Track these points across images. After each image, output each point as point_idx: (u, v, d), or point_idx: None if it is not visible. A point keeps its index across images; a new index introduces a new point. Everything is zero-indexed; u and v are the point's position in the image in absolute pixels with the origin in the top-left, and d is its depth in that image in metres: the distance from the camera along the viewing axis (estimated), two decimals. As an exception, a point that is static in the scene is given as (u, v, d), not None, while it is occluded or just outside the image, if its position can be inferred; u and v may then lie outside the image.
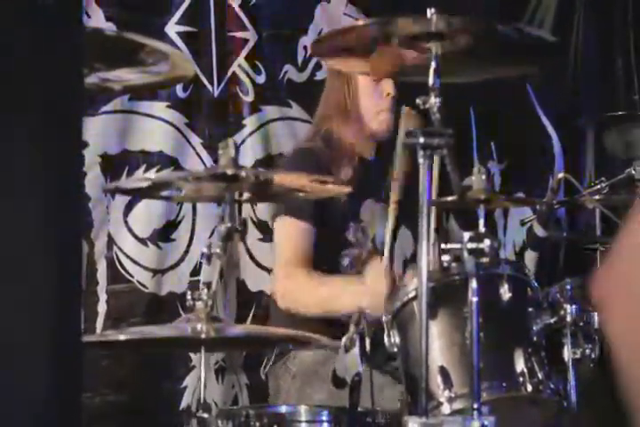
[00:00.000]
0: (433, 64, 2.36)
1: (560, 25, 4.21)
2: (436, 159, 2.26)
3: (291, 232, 3.11)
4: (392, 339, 2.47)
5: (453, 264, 2.36)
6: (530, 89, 3.94)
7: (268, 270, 3.43)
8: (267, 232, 3.46)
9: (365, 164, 3.24)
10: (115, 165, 3.38)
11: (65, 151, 1.22)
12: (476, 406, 2.17)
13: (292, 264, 3.06)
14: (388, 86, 3.14)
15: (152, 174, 3.33)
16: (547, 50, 2.56)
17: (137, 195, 3.02)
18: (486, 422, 2.19)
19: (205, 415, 2.21)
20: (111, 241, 3.34)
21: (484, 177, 2.48)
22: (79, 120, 1.28)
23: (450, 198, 2.48)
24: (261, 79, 3.66)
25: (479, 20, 2.42)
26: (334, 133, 3.19)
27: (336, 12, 3.80)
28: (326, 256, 3.10)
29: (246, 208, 3.54)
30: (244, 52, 3.64)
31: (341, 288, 2.97)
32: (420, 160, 2.28)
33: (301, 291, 3.02)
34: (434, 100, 2.33)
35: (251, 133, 3.62)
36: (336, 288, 2.99)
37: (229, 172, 2.33)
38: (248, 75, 3.63)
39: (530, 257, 3.42)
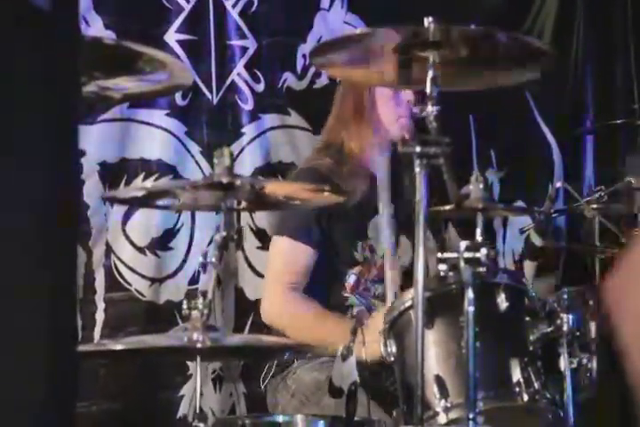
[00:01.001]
0: (430, 73, 2.38)
1: (560, 33, 4.22)
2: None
3: (285, 252, 3.08)
4: (389, 348, 2.47)
5: (450, 273, 2.38)
6: (529, 97, 3.95)
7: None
8: (265, 240, 3.45)
9: (375, 179, 3.18)
10: (113, 173, 3.39)
11: (61, 159, 1.22)
12: (471, 415, 2.19)
13: (280, 283, 3.04)
14: (407, 93, 3.09)
15: (149, 183, 3.35)
16: (545, 59, 2.57)
17: (135, 204, 3.02)
18: None
19: (201, 425, 2.22)
20: (109, 249, 3.34)
21: (481, 185, 2.49)
22: (76, 128, 1.29)
23: (447, 207, 2.49)
24: (260, 87, 3.67)
25: (477, 29, 2.40)
26: (345, 148, 3.14)
27: (336, 20, 3.81)
28: (333, 274, 3.09)
29: (245, 216, 3.55)
30: (243, 61, 3.65)
31: (329, 324, 2.94)
32: (417, 169, 2.30)
33: (282, 313, 3.01)
34: (431, 109, 2.34)
35: (250, 142, 3.63)
36: (325, 322, 2.96)
37: (225, 180, 2.34)
38: (247, 83, 3.64)
39: (529, 266, 3.41)
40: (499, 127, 3.87)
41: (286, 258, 3.07)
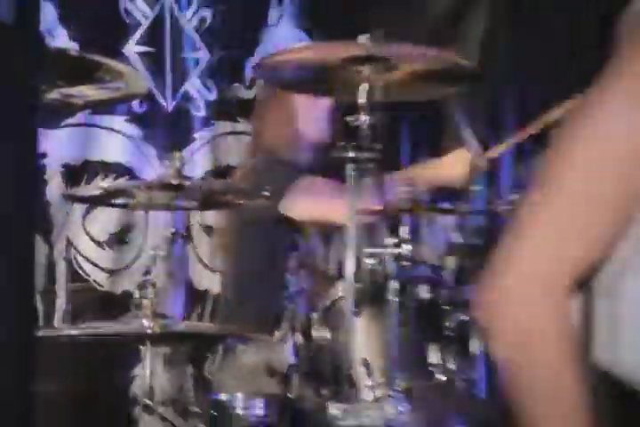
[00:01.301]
0: (364, 85, 2.41)
1: (485, 51, 4.25)
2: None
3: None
4: (320, 333, 2.47)
5: (378, 267, 2.44)
6: (456, 108, 3.97)
7: (214, 271, 3.48)
8: (212, 236, 3.51)
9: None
10: (75, 174, 3.41)
11: (20, 161, 1.26)
12: (392, 393, 2.26)
13: None
14: (324, 102, 3.10)
15: (105, 183, 3.38)
16: (470, 76, 2.62)
17: (93, 202, 3.06)
18: (402, 409, 2.25)
19: (149, 402, 2.26)
20: (70, 244, 3.37)
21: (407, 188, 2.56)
22: (34, 133, 1.32)
23: (376, 207, 2.55)
24: (212, 96, 3.71)
25: (409, 46, 2.43)
26: (273, 148, 3.14)
27: (282, 35, 3.84)
28: (274, 255, 3.04)
29: (196, 215, 3.59)
30: (196, 72, 3.68)
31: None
32: (349, 173, 2.36)
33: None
34: (364, 118, 2.39)
35: (201, 146, 3.67)
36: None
37: (174, 182, 2.39)
38: (200, 92, 3.68)
39: (450, 261, 3.44)
40: (429, 136, 3.88)
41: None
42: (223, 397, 2.51)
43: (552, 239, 1.29)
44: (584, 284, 1.35)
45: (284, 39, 3.79)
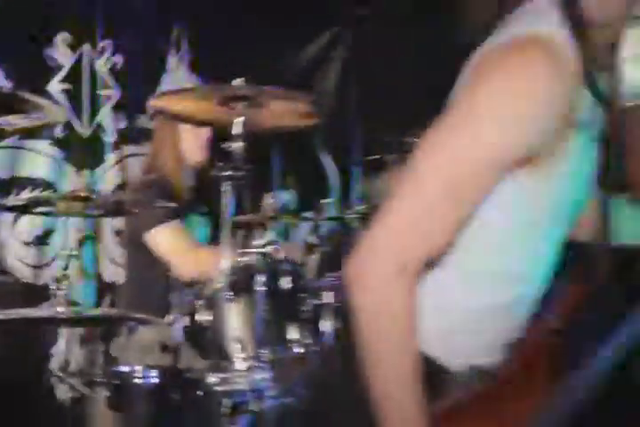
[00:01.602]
0: (239, 119, 2.42)
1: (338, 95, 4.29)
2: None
3: (168, 236, 2.95)
4: (204, 317, 2.43)
5: (250, 263, 2.43)
6: (315, 134, 3.93)
7: (119, 266, 3.43)
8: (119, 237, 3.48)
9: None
10: (6, 187, 3.36)
11: None
12: (259, 364, 2.27)
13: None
14: (205, 130, 3.08)
15: (31, 195, 3.32)
16: (322, 109, 2.65)
17: (19, 210, 3.00)
18: (267, 376, 2.26)
19: (61, 374, 2.22)
20: (1, 245, 3.31)
21: (273, 200, 2.58)
22: None
23: (247, 216, 2.56)
24: (122, 125, 3.67)
25: (276, 88, 2.45)
26: (164, 168, 3.10)
27: (179, 77, 3.83)
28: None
29: (109, 220, 3.55)
30: (108, 105, 3.64)
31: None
32: (224, 188, 2.35)
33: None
34: (237, 145, 2.40)
35: (111, 166, 3.63)
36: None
37: (86, 194, 2.37)
38: (111, 122, 3.64)
39: (309, 258, 3.48)
40: (295, 158, 3.89)
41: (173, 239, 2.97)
42: (124, 369, 2.48)
43: (406, 227, 1.28)
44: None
45: (181, 80, 3.78)
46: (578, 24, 1.26)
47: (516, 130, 1.24)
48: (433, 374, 1.35)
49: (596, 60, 1.30)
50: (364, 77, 4.12)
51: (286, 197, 2.93)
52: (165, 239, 2.92)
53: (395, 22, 4.23)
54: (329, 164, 3.65)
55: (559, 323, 1.37)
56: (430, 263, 1.34)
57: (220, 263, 2.39)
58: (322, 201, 2.69)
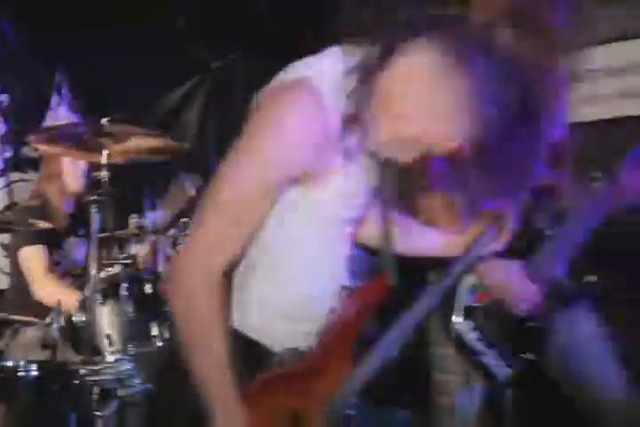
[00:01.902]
0: (104, 152, 2.35)
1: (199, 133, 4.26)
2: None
3: (33, 255, 2.83)
4: (78, 318, 2.35)
5: (116, 272, 2.37)
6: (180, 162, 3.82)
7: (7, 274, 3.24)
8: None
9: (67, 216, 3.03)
10: None
11: None
12: (126, 356, 2.23)
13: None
14: (82, 163, 2.95)
15: None
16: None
17: None
18: (131, 367, 2.21)
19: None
20: None
21: (137, 220, 2.53)
22: None
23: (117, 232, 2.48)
24: (9, 154, 3.51)
25: (138, 127, 2.40)
26: (47, 195, 2.97)
27: (61, 115, 3.68)
28: None
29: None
30: (-4, 138, 3.48)
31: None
32: (92, 210, 2.28)
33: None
34: (105, 174, 2.35)
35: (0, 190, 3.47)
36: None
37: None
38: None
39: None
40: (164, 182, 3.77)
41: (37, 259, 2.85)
42: (9, 363, 2.36)
43: (209, 237, 1.27)
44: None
45: (62, 118, 3.63)
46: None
47: (285, 154, 1.25)
48: (258, 356, 1.35)
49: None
50: (223, 114, 4.12)
51: (154, 216, 2.85)
52: (28, 260, 2.82)
53: (250, 68, 4.26)
54: (191, 188, 3.58)
55: (358, 315, 1.38)
56: (244, 264, 1.34)
57: (65, 299, 2.36)
58: (182, 220, 2.63)
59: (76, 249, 2.93)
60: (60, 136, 2.47)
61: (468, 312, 1.89)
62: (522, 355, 1.87)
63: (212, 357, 1.27)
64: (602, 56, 3.42)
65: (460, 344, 1.89)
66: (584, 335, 1.96)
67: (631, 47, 3.52)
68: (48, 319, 2.35)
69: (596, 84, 3.53)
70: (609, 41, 3.47)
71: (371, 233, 1.49)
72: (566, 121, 1.67)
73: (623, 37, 3.49)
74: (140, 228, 2.55)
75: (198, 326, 1.27)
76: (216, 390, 1.27)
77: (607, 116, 3.41)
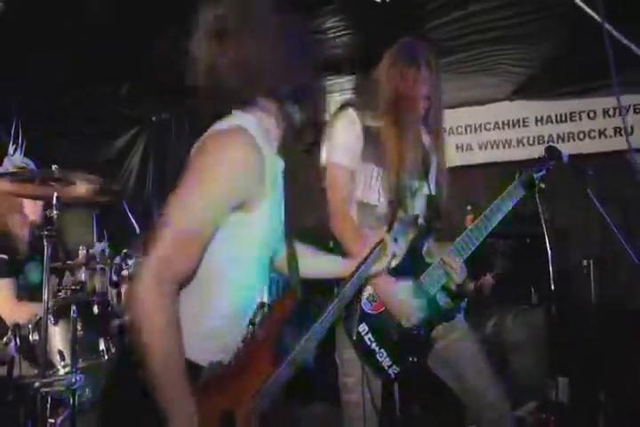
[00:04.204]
0: (54, 194, 2.42)
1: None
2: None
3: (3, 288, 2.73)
4: (34, 337, 2.40)
5: (67, 296, 2.45)
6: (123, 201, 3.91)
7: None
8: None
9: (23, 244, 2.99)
10: None
11: None
12: (75, 370, 2.28)
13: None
14: (39, 202, 2.96)
15: None
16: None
17: None
18: (80, 378, 2.26)
19: None
20: None
21: (85, 250, 2.61)
22: None
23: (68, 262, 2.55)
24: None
25: (82, 173, 2.43)
26: (9, 226, 2.95)
27: (16, 160, 3.68)
28: None
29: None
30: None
31: None
32: (44, 243, 2.33)
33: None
34: (55, 212, 2.40)
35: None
36: None
37: None
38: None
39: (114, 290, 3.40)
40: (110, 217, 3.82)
41: None
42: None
43: (163, 255, 1.31)
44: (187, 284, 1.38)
45: (17, 163, 3.64)
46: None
47: (225, 186, 1.37)
48: (189, 368, 1.39)
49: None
50: (160, 161, 4.24)
51: (101, 247, 2.94)
52: None
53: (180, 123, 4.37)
54: (134, 222, 3.62)
55: (265, 332, 1.47)
56: (189, 281, 1.37)
57: (29, 316, 2.37)
58: (125, 250, 2.74)
59: (35, 273, 2.93)
60: (16, 179, 2.52)
61: (364, 318, 2.00)
62: (408, 357, 2.00)
63: (167, 360, 1.30)
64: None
65: (359, 345, 1.99)
66: (459, 341, 2.10)
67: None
68: (5, 339, 2.40)
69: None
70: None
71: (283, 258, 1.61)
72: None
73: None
74: (89, 257, 2.65)
75: (154, 340, 1.29)
76: (171, 392, 1.30)
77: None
